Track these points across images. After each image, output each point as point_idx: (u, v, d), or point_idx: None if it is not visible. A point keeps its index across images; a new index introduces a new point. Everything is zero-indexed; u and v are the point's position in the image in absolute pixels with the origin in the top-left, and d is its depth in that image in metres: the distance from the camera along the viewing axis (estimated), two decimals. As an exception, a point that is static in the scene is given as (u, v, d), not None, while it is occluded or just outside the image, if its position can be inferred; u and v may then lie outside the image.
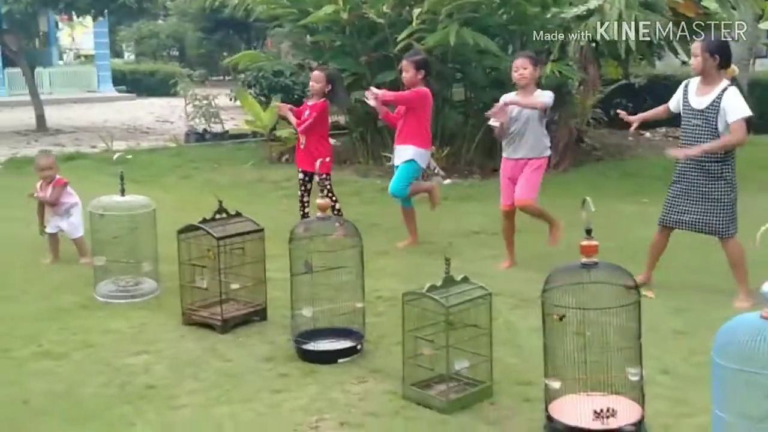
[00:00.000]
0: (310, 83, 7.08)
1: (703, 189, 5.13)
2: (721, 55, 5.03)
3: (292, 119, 6.94)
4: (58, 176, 6.25)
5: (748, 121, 5.01)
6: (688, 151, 5.12)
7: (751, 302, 4.96)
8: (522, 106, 5.71)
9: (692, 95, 5.15)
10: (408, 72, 6.40)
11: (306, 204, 6.97)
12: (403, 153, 6.49)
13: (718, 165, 5.08)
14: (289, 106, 7.20)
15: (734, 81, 5.17)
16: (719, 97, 4.99)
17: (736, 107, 4.96)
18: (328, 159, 6.75)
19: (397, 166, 6.58)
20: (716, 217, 5.12)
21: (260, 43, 26.73)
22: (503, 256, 6.20)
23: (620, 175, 9.57)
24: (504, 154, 5.94)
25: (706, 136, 5.06)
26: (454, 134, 10.55)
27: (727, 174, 5.11)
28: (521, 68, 5.70)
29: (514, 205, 5.88)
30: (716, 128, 5.03)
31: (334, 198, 6.80)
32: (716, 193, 5.11)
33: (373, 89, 6.58)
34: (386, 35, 10.07)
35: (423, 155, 6.55)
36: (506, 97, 5.79)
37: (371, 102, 6.56)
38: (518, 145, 5.81)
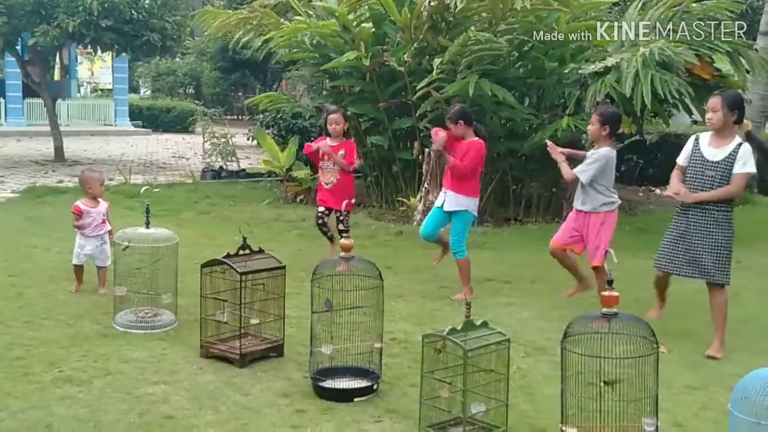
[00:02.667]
0: (332, 126, 7.26)
1: (704, 234, 5.22)
2: (739, 110, 5.20)
3: (339, 161, 7.23)
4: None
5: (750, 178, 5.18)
6: (687, 197, 5.24)
7: (723, 354, 5.14)
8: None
9: (705, 147, 5.28)
10: (459, 129, 6.42)
11: (328, 229, 7.44)
12: (458, 201, 6.46)
13: (723, 213, 5.21)
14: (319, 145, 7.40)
15: (750, 135, 5.31)
16: (735, 150, 5.14)
17: (746, 161, 5.13)
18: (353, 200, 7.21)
19: (445, 211, 6.53)
20: (712, 262, 5.21)
21: (276, 85, 27.13)
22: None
23: (633, 229, 9.64)
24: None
25: (718, 186, 5.18)
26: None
27: (729, 222, 5.23)
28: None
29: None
30: (730, 179, 5.17)
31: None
32: (716, 239, 5.21)
33: (440, 132, 6.41)
34: (405, 83, 10.27)
35: (476, 205, 6.65)
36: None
37: (436, 147, 6.44)
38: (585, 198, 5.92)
